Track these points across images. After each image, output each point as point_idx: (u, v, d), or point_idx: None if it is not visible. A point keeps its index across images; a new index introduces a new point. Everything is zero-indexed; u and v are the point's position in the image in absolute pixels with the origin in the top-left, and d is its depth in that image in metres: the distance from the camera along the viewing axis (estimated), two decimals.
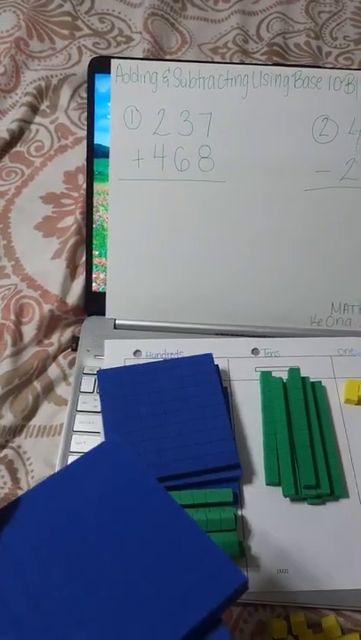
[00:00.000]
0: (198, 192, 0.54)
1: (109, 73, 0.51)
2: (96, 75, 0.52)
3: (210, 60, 0.75)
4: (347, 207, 0.54)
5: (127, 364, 0.51)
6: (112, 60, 0.51)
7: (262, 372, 0.52)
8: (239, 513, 0.45)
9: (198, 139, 0.52)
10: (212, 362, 0.50)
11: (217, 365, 0.50)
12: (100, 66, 0.52)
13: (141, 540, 0.29)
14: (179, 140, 0.52)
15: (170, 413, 0.46)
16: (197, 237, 0.55)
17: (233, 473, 0.45)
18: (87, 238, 0.56)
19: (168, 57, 0.76)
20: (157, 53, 0.75)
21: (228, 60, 0.75)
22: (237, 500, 0.45)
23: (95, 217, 0.56)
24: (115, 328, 0.57)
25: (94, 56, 0.54)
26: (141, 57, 0.73)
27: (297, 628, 0.43)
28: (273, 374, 0.52)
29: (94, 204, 0.55)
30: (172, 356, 0.52)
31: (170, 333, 0.56)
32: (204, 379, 0.49)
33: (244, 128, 0.52)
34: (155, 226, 0.55)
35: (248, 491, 0.46)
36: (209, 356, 0.50)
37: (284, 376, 0.51)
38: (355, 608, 0.44)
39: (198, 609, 0.26)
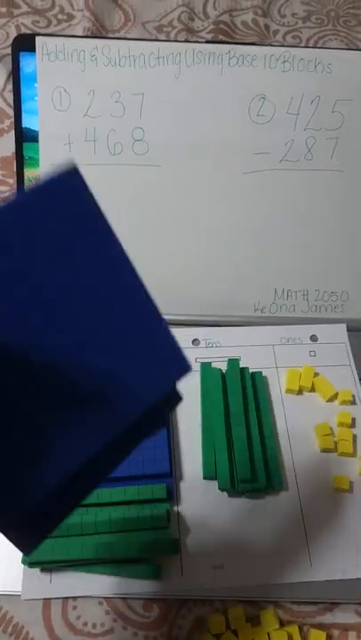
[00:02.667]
0: (133, 177, 0.51)
1: (35, 52, 0.49)
2: (21, 54, 0.49)
3: (154, 38, 0.73)
4: (287, 190, 0.52)
5: None
6: (37, 38, 0.48)
7: (202, 362, 0.50)
8: (175, 508, 0.44)
9: (131, 121, 0.50)
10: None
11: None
12: (25, 44, 0.49)
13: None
14: (111, 122, 0.50)
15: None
16: (133, 224, 0.53)
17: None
18: None
19: (110, 36, 0.73)
20: (99, 32, 0.72)
21: (172, 39, 0.72)
22: (172, 495, 0.44)
23: None
24: None
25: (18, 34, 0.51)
26: (81, 35, 0.70)
27: (235, 623, 0.42)
28: (213, 365, 0.50)
29: None
30: None
31: None
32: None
33: (178, 109, 0.50)
34: None
35: (185, 485, 0.45)
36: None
37: (225, 367, 0.50)
38: (294, 600, 0.43)
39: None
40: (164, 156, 0.51)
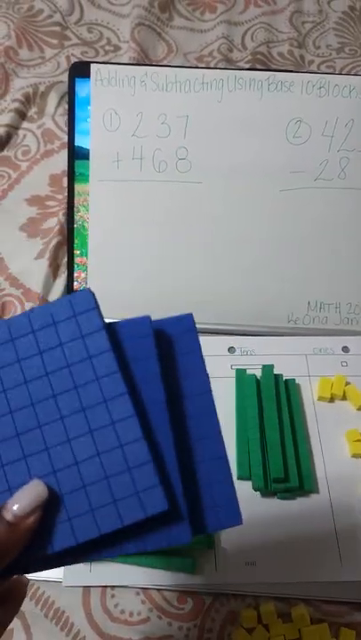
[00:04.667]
0: (176, 192, 0.55)
1: (89, 77, 0.53)
2: (76, 79, 0.54)
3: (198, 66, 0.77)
4: (321, 207, 0.55)
5: None
6: (92, 65, 0.53)
7: (237, 369, 0.53)
8: None
9: (175, 141, 0.54)
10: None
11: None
12: (81, 71, 0.53)
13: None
14: (157, 142, 0.54)
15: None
16: (175, 237, 0.56)
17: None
18: (68, 238, 0.58)
19: (159, 64, 0.77)
20: (143, 62, 0.76)
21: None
22: None
23: (76, 217, 0.57)
24: None
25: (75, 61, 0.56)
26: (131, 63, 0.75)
27: (267, 618, 0.43)
28: (248, 372, 0.53)
29: (75, 205, 0.57)
30: None
31: None
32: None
33: (219, 130, 0.53)
34: (134, 225, 0.56)
35: None
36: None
37: (259, 373, 0.52)
38: (324, 598, 0.44)
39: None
40: (206, 174, 0.54)
